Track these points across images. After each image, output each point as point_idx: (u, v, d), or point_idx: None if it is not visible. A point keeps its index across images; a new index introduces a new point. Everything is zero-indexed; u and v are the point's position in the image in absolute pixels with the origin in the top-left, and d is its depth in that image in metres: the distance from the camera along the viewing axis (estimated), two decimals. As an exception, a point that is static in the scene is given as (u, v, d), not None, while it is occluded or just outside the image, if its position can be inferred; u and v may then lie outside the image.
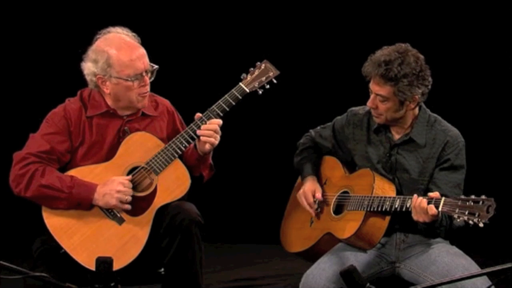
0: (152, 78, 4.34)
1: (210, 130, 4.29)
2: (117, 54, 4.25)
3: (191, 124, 4.34)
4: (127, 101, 4.32)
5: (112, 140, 4.33)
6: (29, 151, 4.25)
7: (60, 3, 6.96)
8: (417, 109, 4.29)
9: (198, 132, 4.30)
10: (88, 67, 4.30)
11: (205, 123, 4.31)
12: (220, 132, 4.31)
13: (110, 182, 4.22)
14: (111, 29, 4.36)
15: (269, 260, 6.55)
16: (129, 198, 4.22)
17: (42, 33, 6.94)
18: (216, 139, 4.30)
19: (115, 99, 4.32)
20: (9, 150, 4.32)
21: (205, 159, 4.39)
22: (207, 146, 4.30)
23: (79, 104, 4.35)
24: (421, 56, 4.22)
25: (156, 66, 4.34)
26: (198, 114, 4.34)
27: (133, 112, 4.36)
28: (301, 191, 4.46)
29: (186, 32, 7.15)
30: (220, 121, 4.32)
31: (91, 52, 4.30)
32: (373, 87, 4.21)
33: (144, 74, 4.28)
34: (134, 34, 4.36)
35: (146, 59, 4.30)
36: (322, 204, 4.43)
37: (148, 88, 4.32)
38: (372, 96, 4.23)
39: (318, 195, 4.40)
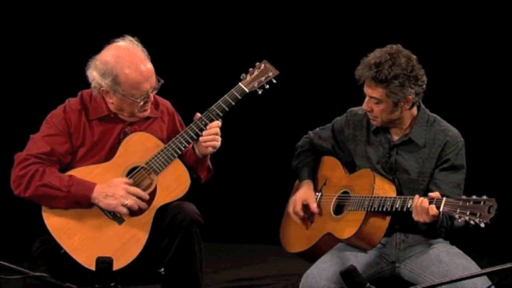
0: (156, 91, 4.34)
1: (211, 135, 4.29)
2: (126, 74, 4.20)
3: (191, 124, 4.34)
4: (129, 112, 4.33)
5: (112, 141, 4.33)
6: (30, 153, 4.25)
7: (60, 3, 6.95)
8: (415, 110, 4.29)
9: (201, 138, 4.30)
10: (94, 77, 4.27)
11: (205, 123, 4.31)
12: (220, 134, 4.32)
13: (114, 185, 4.21)
14: (122, 42, 4.29)
15: (269, 260, 6.55)
16: (136, 207, 4.21)
17: (43, 33, 6.94)
18: (218, 142, 4.30)
19: (118, 109, 4.33)
20: (9, 151, 4.32)
21: (203, 161, 4.39)
22: (210, 149, 4.31)
23: (80, 105, 4.34)
24: (413, 56, 4.21)
25: (162, 81, 4.32)
26: (198, 114, 4.34)
27: (134, 119, 4.37)
28: (292, 198, 4.46)
29: (185, 32, 7.15)
30: (219, 123, 4.32)
31: (99, 63, 4.25)
32: (366, 90, 4.21)
33: (149, 92, 4.28)
34: (143, 49, 4.29)
35: (153, 78, 4.28)
36: (321, 205, 4.43)
37: (151, 102, 4.33)
38: (366, 99, 4.24)
39: (314, 206, 4.40)
